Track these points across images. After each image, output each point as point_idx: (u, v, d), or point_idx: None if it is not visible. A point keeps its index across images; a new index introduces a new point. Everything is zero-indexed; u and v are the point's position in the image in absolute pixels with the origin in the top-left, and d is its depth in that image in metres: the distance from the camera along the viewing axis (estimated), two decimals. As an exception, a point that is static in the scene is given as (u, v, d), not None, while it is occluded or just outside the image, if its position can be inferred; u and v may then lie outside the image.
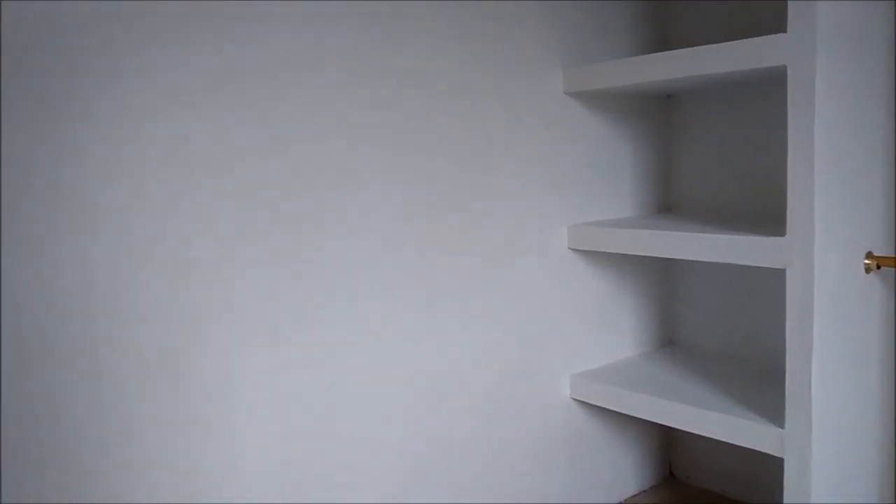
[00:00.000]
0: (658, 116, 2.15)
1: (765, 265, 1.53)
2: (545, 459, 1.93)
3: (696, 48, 1.61)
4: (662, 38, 2.12)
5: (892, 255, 1.64)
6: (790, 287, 1.49)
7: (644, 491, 2.22)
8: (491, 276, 1.77)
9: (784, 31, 1.45)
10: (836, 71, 1.44)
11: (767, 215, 1.94)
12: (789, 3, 1.41)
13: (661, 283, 2.22)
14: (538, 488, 1.92)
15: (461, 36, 1.66)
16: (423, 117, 1.61)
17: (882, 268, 1.60)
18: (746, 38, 1.53)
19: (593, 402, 1.96)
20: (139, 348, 1.27)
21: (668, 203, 2.20)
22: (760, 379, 1.89)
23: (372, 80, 1.52)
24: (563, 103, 1.88)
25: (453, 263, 1.69)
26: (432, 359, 1.68)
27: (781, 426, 1.55)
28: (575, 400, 1.99)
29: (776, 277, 1.93)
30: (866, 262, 1.58)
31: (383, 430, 1.60)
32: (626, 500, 2.16)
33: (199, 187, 1.31)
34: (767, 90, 1.94)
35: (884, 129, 1.61)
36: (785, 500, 1.55)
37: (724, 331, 2.12)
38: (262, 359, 1.41)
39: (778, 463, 1.58)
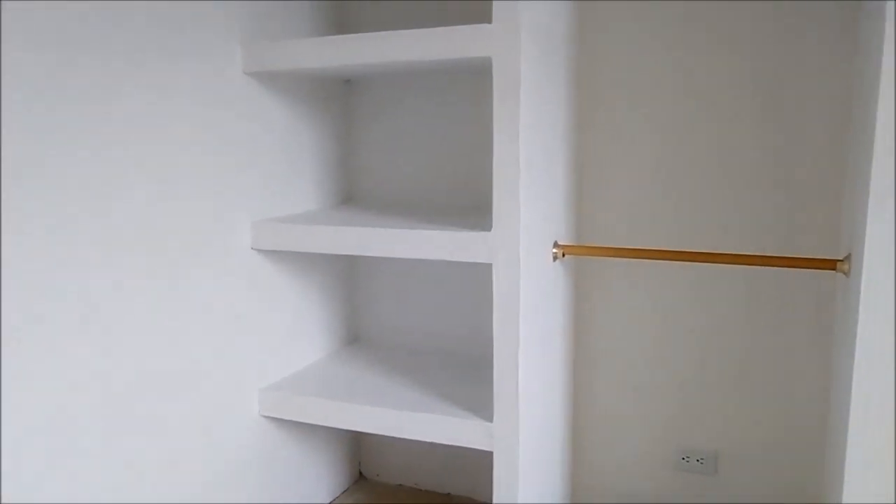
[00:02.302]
0: (339, 102, 2.02)
1: (472, 261, 1.50)
2: (236, 483, 1.70)
3: (392, 32, 1.50)
4: (344, 20, 1.99)
5: (576, 244, 1.75)
6: (497, 281, 1.48)
7: (336, 498, 2.10)
8: (167, 287, 1.48)
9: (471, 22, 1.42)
10: (534, 66, 1.46)
11: (455, 206, 1.94)
12: (494, -7, 1.38)
13: (348, 280, 2.11)
14: (230, 519, 1.69)
15: (123, 6, 1.33)
16: (80, 101, 1.25)
17: (566, 255, 1.69)
18: (434, 26, 1.47)
19: (284, 417, 1.78)
20: None
21: (350, 193, 2.09)
22: (456, 372, 1.89)
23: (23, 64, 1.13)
24: (243, 84, 1.64)
25: (119, 273, 1.37)
26: (105, 384, 1.35)
27: (489, 420, 1.55)
28: (264, 416, 1.78)
29: (468, 269, 1.94)
30: (554, 251, 1.64)
31: (57, 474, 1.26)
32: (319, 513, 2.02)
33: None
34: (455, 81, 1.92)
35: (563, 123, 1.69)
36: (495, 493, 1.56)
37: (414, 324, 2.09)
38: None
39: (469, 449, 1.58)
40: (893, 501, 1.24)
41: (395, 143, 2.02)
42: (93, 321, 1.32)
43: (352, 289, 2.13)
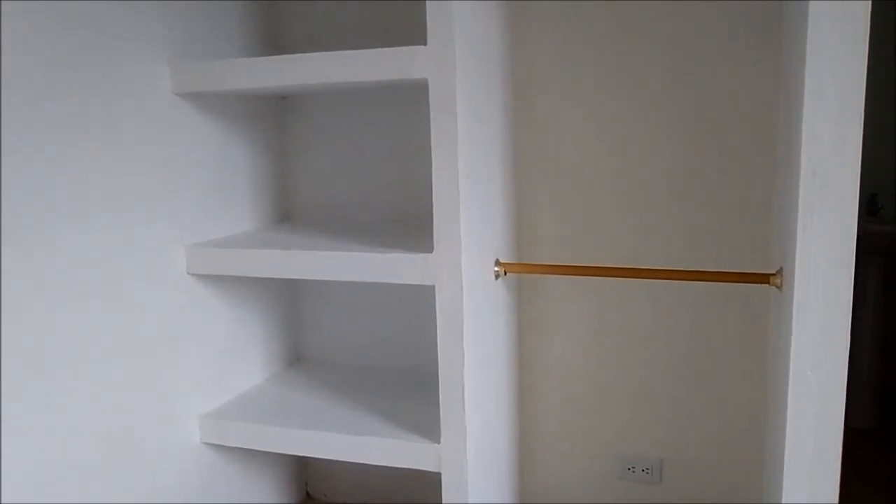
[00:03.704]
0: (273, 119, 1.98)
1: (414, 283, 1.49)
2: (177, 515, 1.66)
3: (324, 54, 1.48)
4: (275, 36, 1.95)
5: (516, 261, 1.75)
6: (440, 302, 1.48)
7: (283, 521, 2.07)
8: (99, 317, 1.43)
9: (407, 42, 1.41)
10: (470, 85, 1.45)
11: (395, 222, 1.93)
12: (428, 14, 1.37)
13: (289, 299, 2.08)
14: (174, 555, 1.64)
15: (46, 22, 1.28)
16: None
17: (508, 273, 1.69)
18: (367, 44, 1.45)
19: (226, 444, 1.74)
20: None
21: (288, 212, 2.05)
22: (401, 390, 1.87)
23: None
24: (172, 105, 1.60)
25: (48, 305, 1.32)
26: (39, 415, 1.30)
27: (437, 441, 1.54)
28: (206, 444, 1.74)
29: (411, 286, 1.92)
30: (496, 269, 1.64)
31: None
32: (266, 537, 1.99)
33: None
34: (392, 96, 1.90)
35: (500, 142, 1.69)
36: (444, 515, 1.56)
37: (357, 343, 2.06)
38: None
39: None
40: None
41: (334, 159, 1.99)
42: (25, 355, 1.27)
43: (293, 309, 2.09)
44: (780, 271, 1.42)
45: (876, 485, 2.18)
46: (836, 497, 1.29)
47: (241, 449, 1.83)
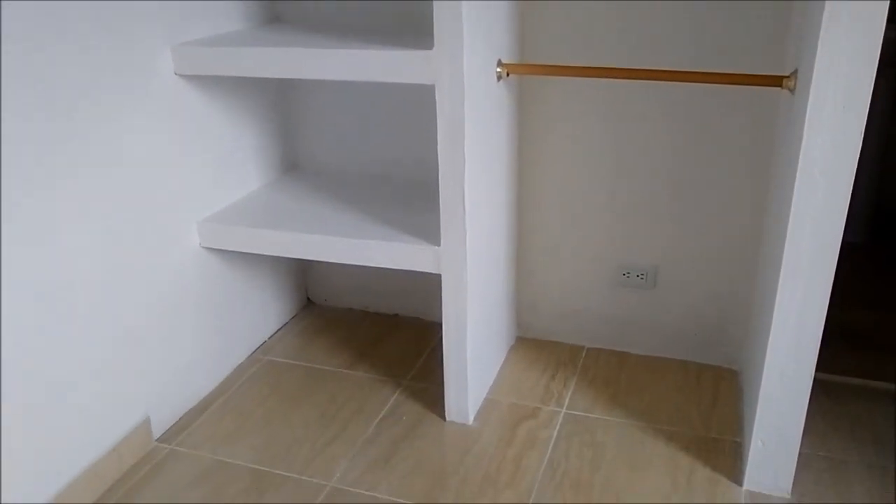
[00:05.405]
0: None
1: (413, 81, 1.43)
2: (182, 319, 1.70)
3: None
4: None
5: (520, 63, 1.67)
6: (440, 103, 1.42)
7: (286, 323, 2.14)
8: (83, 122, 1.38)
9: None
10: None
11: (390, 25, 1.82)
12: None
13: (283, 104, 2.01)
14: (177, 350, 1.70)
15: None
16: None
17: (511, 75, 1.62)
18: None
19: (226, 248, 1.75)
20: None
21: (278, 12, 1.93)
22: (398, 197, 1.86)
23: None
24: None
25: (35, 118, 1.27)
26: (36, 238, 1.29)
27: (437, 244, 1.55)
28: (205, 248, 1.75)
29: (408, 90, 1.86)
30: (498, 70, 1.57)
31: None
32: (270, 339, 2.05)
33: None
34: None
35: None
36: (444, 314, 1.60)
37: (353, 150, 2.02)
38: None
39: (415, 271, 1.60)
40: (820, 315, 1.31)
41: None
42: (20, 165, 1.23)
43: (287, 114, 2.03)
44: (794, 73, 1.37)
45: (859, 296, 2.25)
46: (826, 302, 1.32)
47: (241, 254, 1.85)
